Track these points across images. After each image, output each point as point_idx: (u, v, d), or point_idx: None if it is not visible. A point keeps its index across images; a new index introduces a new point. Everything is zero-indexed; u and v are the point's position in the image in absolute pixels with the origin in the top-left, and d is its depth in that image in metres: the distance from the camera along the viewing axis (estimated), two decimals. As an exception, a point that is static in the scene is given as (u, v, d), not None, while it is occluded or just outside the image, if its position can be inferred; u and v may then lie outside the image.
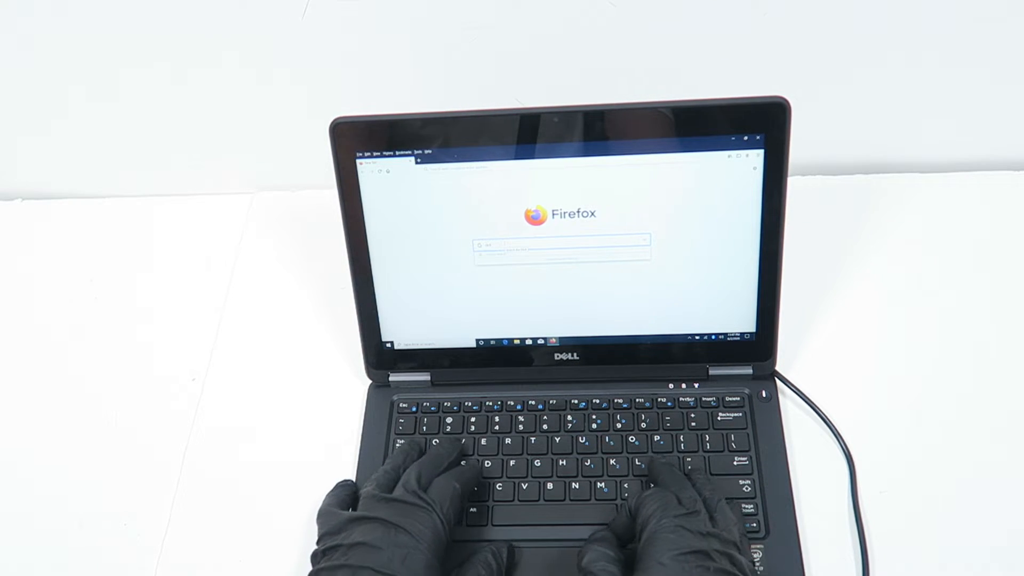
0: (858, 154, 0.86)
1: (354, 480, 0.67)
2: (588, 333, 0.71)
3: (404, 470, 0.63)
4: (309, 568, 0.58)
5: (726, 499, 0.61)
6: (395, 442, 0.70)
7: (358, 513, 0.59)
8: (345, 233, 0.68)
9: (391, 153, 0.65)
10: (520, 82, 0.80)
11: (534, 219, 0.67)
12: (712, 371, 0.71)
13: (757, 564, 0.62)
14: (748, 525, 0.64)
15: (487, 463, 0.68)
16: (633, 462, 0.67)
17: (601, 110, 0.63)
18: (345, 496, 0.63)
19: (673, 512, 0.57)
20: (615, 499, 0.66)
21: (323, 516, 0.61)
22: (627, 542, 0.60)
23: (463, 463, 0.68)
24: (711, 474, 0.66)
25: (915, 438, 0.69)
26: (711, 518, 0.58)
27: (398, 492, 0.60)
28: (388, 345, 0.72)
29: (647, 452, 0.68)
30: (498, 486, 0.67)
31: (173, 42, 0.79)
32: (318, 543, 0.59)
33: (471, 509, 0.66)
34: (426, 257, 0.69)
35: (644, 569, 0.54)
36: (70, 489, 0.71)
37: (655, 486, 0.63)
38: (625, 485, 0.66)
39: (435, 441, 0.69)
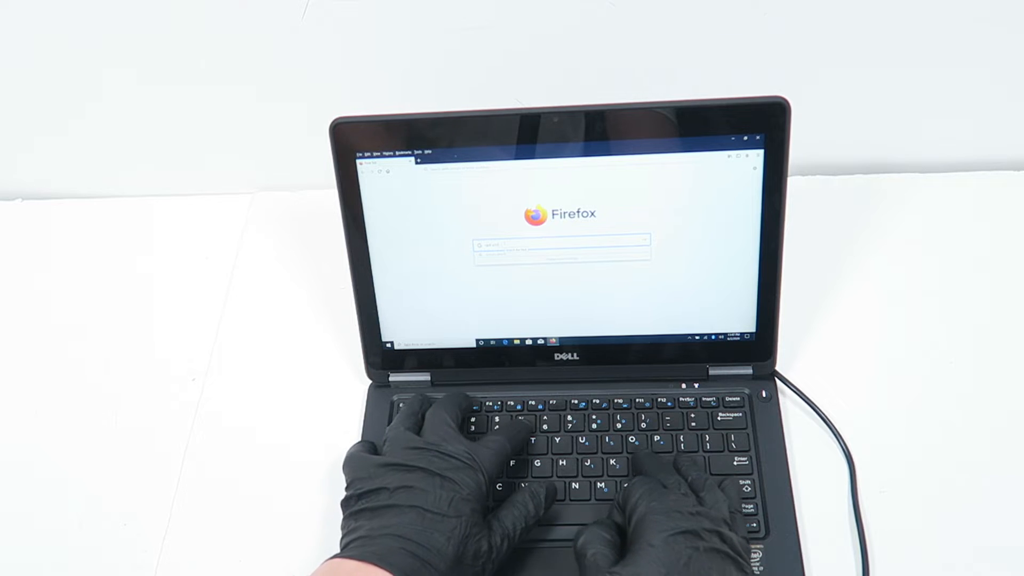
0: (858, 154, 0.86)
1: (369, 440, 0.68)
2: (588, 333, 0.71)
3: (421, 414, 0.64)
4: (309, 568, 0.58)
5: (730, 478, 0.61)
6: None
7: (396, 459, 0.59)
8: (345, 233, 0.68)
9: (391, 153, 0.65)
10: (520, 82, 0.80)
11: (534, 219, 0.67)
12: (712, 371, 0.71)
13: (758, 564, 0.62)
14: (748, 525, 0.64)
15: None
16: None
17: (601, 110, 0.63)
18: (369, 446, 0.64)
19: (660, 495, 0.57)
20: (615, 499, 0.66)
21: (352, 461, 0.61)
22: (623, 534, 0.60)
23: (514, 421, 0.68)
24: (711, 474, 0.66)
25: (915, 438, 0.69)
26: (699, 498, 0.58)
27: (434, 440, 0.60)
28: (388, 345, 0.72)
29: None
30: (498, 486, 0.67)
31: (173, 42, 0.79)
32: (348, 488, 0.59)
33: (517, 484, 0.66)
34: (426, 257, 0.69)
35: (635, 551, 0.54)
36: (70, 489, 0.71)
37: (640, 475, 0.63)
38: (625, 485, 0.66)
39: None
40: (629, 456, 0.68)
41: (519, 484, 0.67)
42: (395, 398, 0.72)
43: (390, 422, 0.71)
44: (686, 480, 0.60)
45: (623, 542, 0.57)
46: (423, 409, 0.66)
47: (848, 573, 0.63)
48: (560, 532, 0.65)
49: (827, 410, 0.70)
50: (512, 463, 0.68)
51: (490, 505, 0.61)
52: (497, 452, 0.62)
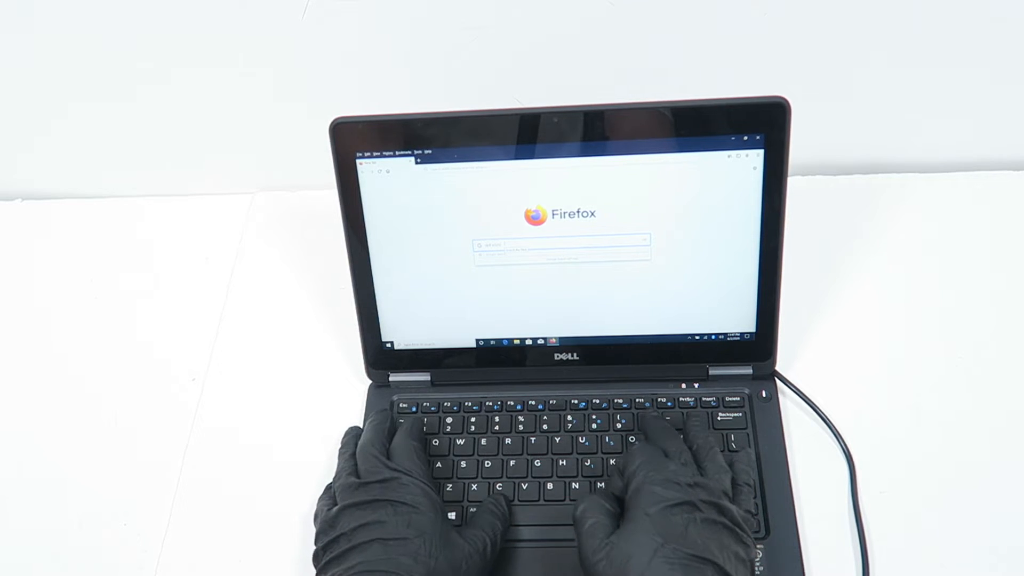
0: (858, 154, 0.86)
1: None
2: (588, 333, 0.71)
3: (354, 453, 0.64)
4: (309, 567, 0.58)
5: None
6: (395, 442, 0.70)
7: (344, 503, 0.59)
8: (345, 233, 0.68)
9: (391, 153, 0.65)
10: (520, 82, 0.80)
11: (534, 219, 0.67)
12: (712, 371, 0.71)
13: (758, 564, 0.62)
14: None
15: (487, 463, 0.68)
16: (633, 462, 0.67)
17: (601, 110, 0.63)
18: (330, 499, 0.63)
19: (659, 464, 0.57)
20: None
21: (316, 518, 0.61)
22: (621, 503, 0.60)
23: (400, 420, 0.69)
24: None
25: (915, 438, 0.69)
26: (700, 468, 0.58)
27: (367, 474, 0.60)
28: (388, 345, 0.72)
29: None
30: (498, 486, 0.67)
31: (173, 42, 0.79)
32: (316, 543, 0.60)
33: (471, 509, 0.66)
34: (426, 257, 0.69)
35: (631, 519, 0.54)
36: (70, 489, 0.71)
37: (644, 440, 0.63)
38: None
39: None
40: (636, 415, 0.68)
41: (519, 484, 0.67)
42: (395, 398, 0.72)
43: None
44: (691, 448, 0.60)
45: (620, 511, 0.57)
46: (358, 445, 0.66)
47: (848, 573, 0.63)
48: (560, 532, 0.65)
49: (827, 410, 0.70)
50: (512, 463, 0.68)
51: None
52: (402, 449, 0.62)
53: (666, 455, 0.59)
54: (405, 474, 0.60)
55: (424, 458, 0.63)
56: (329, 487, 0.64)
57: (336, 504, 0.60)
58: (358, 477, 0.61)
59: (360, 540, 0.56)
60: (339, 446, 0.67)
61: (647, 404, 0.70)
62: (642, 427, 0.66)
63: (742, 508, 0.57)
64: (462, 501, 0.67)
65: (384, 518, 0.57)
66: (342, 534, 0.57)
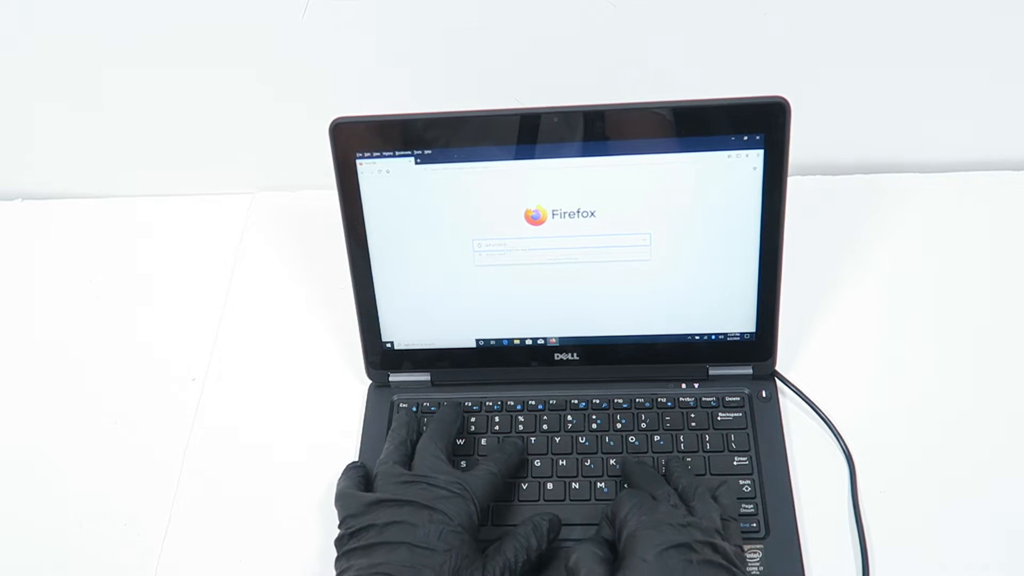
0: (858, 154, 0.86)
1: (361, 462, 0.67)
2: (588, 333, 0.71)
3: (410, 442, 0.63)
4: (309, 568, 0.58)
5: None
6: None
7: (386, 495, 0.59)
8: (345, 233, 0.68)
9: (391, 153, 0.65)
10: (520, 82, 0.80)
11: (534, 219, 0.67)
12: (712, 371, 0.71)
13: (758, 564, 0.62)
14: (748, 525, 0.64)
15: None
16: (633, 462, 0.67)
17: (601, 110, 0.63)
18: (359, 478, 0.63)
19: (649, 508, 0.56)
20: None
21: (343, 499, 0.61)
22: (615, 549, 0.59)
23: (503, 444, 0.67)
24: (712, 473, 0.66)
25: (915, 438, 0.69)
26: (689, 508, 0.58)
27: (424, 471, 0.60)
28: (388, 345, 0.72)
29: (647, 452, 0.68)
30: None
31: (173, 42, 0.79)
32: (340, 526, 0.59)
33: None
34: (426, 257, 0.69)
35: (628, 567, 0.53)
36: (70, 489, 0.71)
37: (628, 487, 0.63)
38: (625, 485, 0.66)
39: (433, 409, 0.69)
40: (616, 464, 0.67)
41: (519, 484, 0.67)
42: (395, 398, 0.72)
43: (390, 424, 0.71)
44: (676, 489, 0.60)
45: (616, 557, 0.57)
46: (410, 437, 0.66)
47: (848, 573, 0.63)
48: (561, 532, 0.64)
49: (827, 410, 0.70)
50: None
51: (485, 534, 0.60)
52: (487, 480, 0.61)
53: (654, 498, 0.58)
54: (457, 484, 0.59)
55: (497, 492, 0.62)
56: (355, 465, 0.63)
57: (373, 490, 0.59)
58: (407, 469, 0.60)
59: (390, 539, 0.56)
60: (392, 425, 0.66)
61: (647, 404, 0.70)
62: (625, 474, 0.65)
63: (733, 544, 0.56)
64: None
65: (419, 522, 0.57)
66: (373, 525, 0.57)
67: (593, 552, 0.56)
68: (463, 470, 0.61)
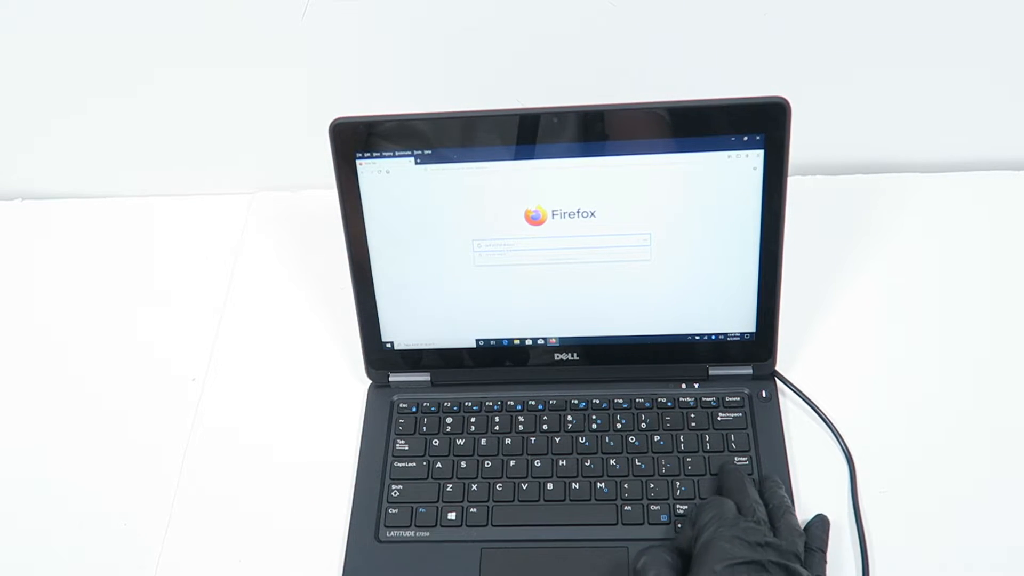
0: (858, 154, 0.86)
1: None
2: (588, 333, 0.71)
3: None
4: (308, 567, 0.57)
5: None
6: (395, 442, 0.70)
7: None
8: (345, 233, 0.68)
9: (391, 153, 0.65)
10: (520, 82, 0.80)
11: (534, 219, 0.67)
12: (712, 371, 0.71)
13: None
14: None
15: (487, 463, 0.68)
16: (633, 462, 0.67)
17: (601, 110, 0.63)
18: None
19: (730, 520, 0.55)
20: (615, 499, 0.66)
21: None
22: (684, 555, 0.58)
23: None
24: (712, 473, 0.66)
25: (915, 438, 0.69)
26: (774, 528, 0.57)
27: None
28: (388, 345, 0.72)
29: (647, 452, 0.68)
30: (498, 486, 0.67)
31: (173, 42, 0.79)
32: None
33: (471, 510, 0.66)
34: (426, 257, 0.69)
35: (696, 575, 0.53)
36: (70, 489, 0.71)
37: (719, 492, 0.62)
38: (625, 485, 0.66)
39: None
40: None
41: (519, 484, 0.67)
42: (395, 398, 0.72)
43: (390, 424, 0.71)
44: (767, 506, 0.59)
45: (683, 565, 0.56)
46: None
47: (848, 573, 0.63)
48: (561, 532, 0.65)
49: (827, 410, 0.70)
50: (512, 463, 0.68)
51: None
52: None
53: (740, 510, 0.57)
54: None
55: None
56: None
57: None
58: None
59: None
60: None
61: (647, 404, 0.70)
62: (719, 478, 0.64)
63: (812, 573, 0.55)
64: (462, 501, 0.67)
65: None
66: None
67: (663, 557, 0.55)
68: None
